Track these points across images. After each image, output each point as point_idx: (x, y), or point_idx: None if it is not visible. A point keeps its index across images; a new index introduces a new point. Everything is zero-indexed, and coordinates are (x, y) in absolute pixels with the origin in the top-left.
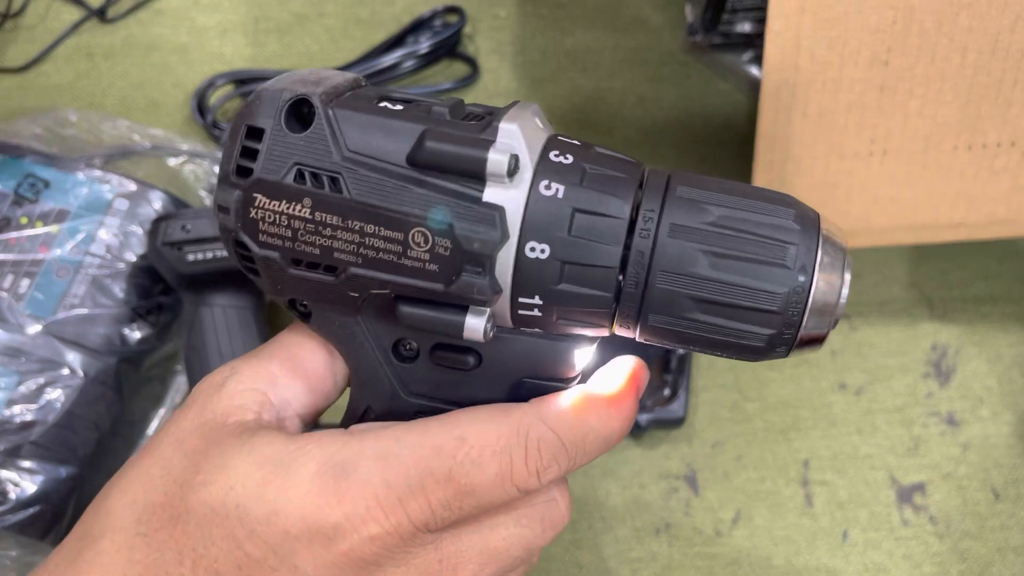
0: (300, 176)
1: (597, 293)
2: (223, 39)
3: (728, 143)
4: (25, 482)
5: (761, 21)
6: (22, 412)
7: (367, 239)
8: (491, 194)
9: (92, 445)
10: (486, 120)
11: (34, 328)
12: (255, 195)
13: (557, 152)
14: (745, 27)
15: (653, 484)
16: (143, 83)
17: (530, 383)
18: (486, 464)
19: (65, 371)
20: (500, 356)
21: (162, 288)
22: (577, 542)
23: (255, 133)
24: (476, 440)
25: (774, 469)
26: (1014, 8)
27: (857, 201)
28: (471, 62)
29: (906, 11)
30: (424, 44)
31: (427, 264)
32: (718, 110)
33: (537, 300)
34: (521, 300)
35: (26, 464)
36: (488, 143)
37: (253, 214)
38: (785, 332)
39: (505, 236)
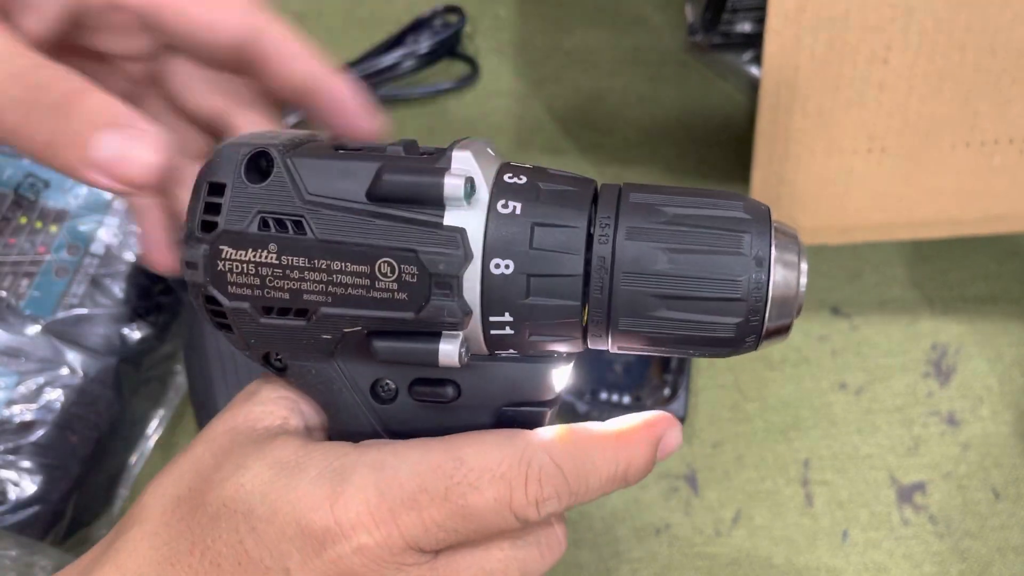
0: (264, 223)
1: (565, 303)
2: None
3: (728, 143)
4: (25, 482)
5: (761, 21)
6: (22, 412)
7: (335, 276)
8: (451, 218)
9: (92, 445)
10: (438, 153)
11: (33, 328)
12: (221, 247)
13: (511, 175)
14: (745, 27)
15: (653, 484)
16: None
17: (512, 410)
18: (484, 488)
19: (65, 371)
20: (478, 385)
21: (162, 288)
22: (577, 542)
23: (217, 188)
24: (476, 463)
25: (774, 469)
26: (1013, 7)
27: (856, 197)
28: (471, 62)
29: (905, 10)
30: (424, 44)
31: (396, 293)
32: (718, 110)
33: (507, 317)
34: (492, 319)
35: (26, 464)
36: (443, 170)
37: (221, 267)
38: (751, 319)
39: (469, 256)
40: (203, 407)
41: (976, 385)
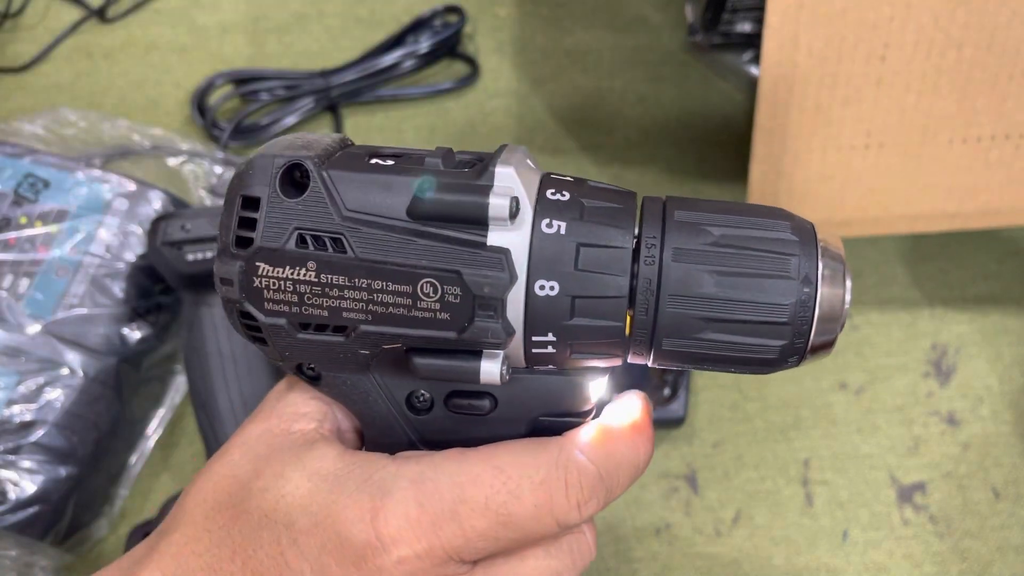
0: (302, 240)
1: (609, 323)
2: (223, 39)
3: (727, 142)
4: (25, 482)
5: (761, 21)
6: (22, 412)
7: (375, 295)
8: (495, 238)
9: (92, 445)
10: (479, 166)
11: (34, 328)
12: (258, 264)
13: (553, 190)
14: (745, 27)
15: (653, 484)
16: (143, 83)
17: (547, 420)
18: (525, 496)
19: (65, 371)
20: (515, 397)
21: (162, 288)
22: None
23: (251, 202)
24: (514, 471)
25: (774, 469)
26: (1010, 5)
27: (853, 193)
28: (471, 62)
29: (903, 7)
30: (424, 44)
31: (438, 313)
32: (718, 110)
33: (550, 337)
34: (535, 339)
35: (26, 464)
36: (487, 188)
37: (257, 283)
38: (796, 341)
39: (514, 278)
40: (203, 407)
41: (976, 385)
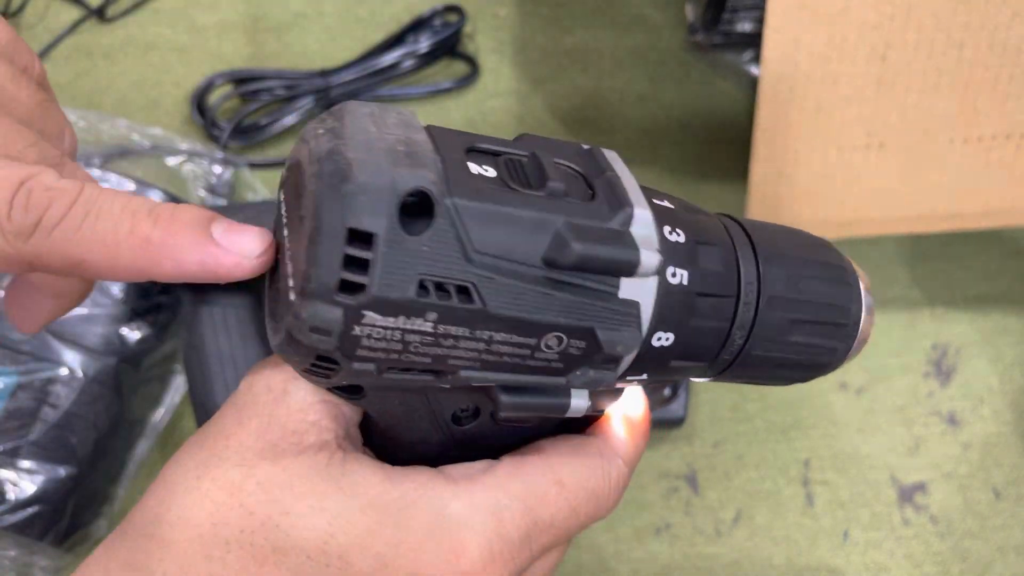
0: (422, 287)
1: (699, 365)
2: (222, 38)
3: (728, 142)
4: (24, 482)
5: (761, 21)
6: (21, 412)
7: (493, 346)
8: (627, 290)
9: (91, 445)
10: (609, 199)
11: None
12: (365, 313)
13: (669, 228)
14: (746, 26)
15: (653, 484)
16: (142, 82)
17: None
18: (582, 510)
19: (64, 371)
20: None
21: (161, 288)
22: (577, 542)
23: (362, 238)
24: (572, 483)
25: (775, 469)
26: (1011, 5)
27: (854, 193)
28: (471, 61)
29: (904, 7)
30: (424, 43)
31: (553, 363)
32: (718, 109)
33: (644, 376)
34: (629, 377)
35: (25, 464)
36: (629, 238)
37: (357, 332)
38: (847, 347)
39: (642, 333)
40: (203, 407)
41: (977, 385)
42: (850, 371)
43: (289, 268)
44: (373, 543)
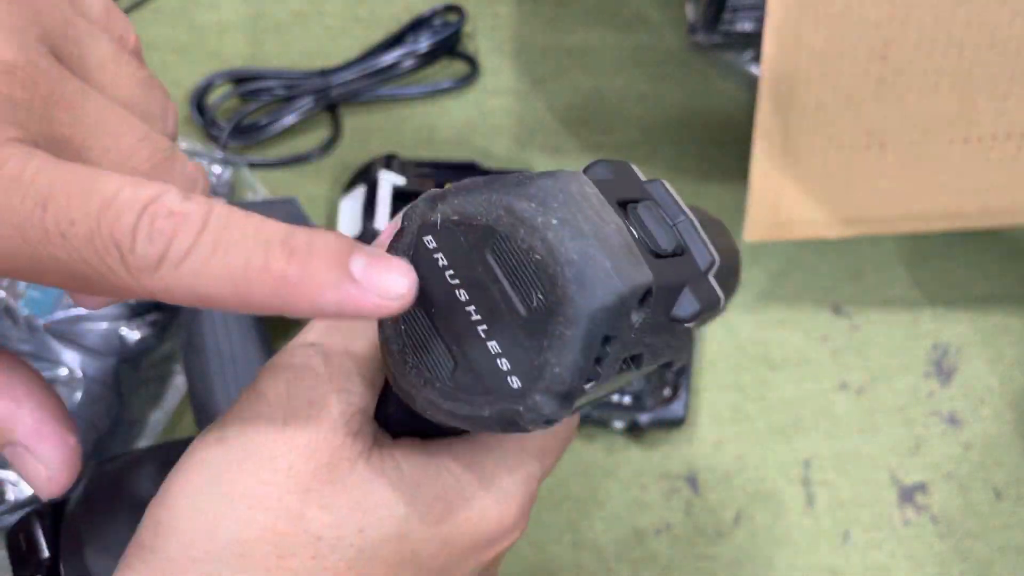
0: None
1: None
2: (222, 38)
3: (729, 142)
4: (23, 482)
5: (762, 20)
6: None
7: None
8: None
9: (91, 445)
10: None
11: (33, 328)
12: (587, 389)
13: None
14: (746, 26)
15: (653, 484)
16: None
17: None
18: (562, 448)
19: (64, 371)
20: None
21: None
22: (577, 543)
23: (608, 340)
24: (561, 432)
25: (775, 469)
26: (1012, 4)
27: (854, 192)
28: (471, 61)
29: (904, 6)
30: (423, 43)
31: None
32: (719, 109)
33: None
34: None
35: None
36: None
37: (575, 405)
38: None
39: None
40: (203, 407)
41: (977, 385)
42: (850, 371)
43: (494, 344)
44: (438, 530)
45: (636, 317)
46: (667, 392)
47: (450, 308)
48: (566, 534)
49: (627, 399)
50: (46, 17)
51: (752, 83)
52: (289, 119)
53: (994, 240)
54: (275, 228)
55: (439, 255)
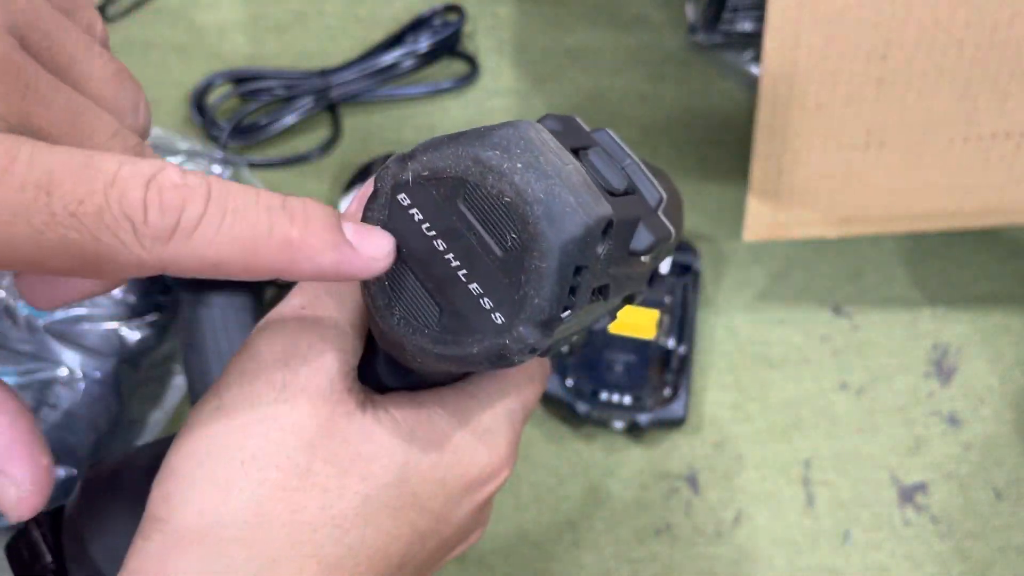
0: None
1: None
2: (222, 38)
3: (729, 142)
4: None
5: (762, 20)
6: None
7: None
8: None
9: (90, 445)
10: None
11: (32, 328)
12: (565, 318)
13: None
14: (746, 26)
15: (653, 484)
16: (142, 82)
17: None
18: (539, 389)
19: (64, 371)
20: None
21: (161, 288)
22: (577, 542)
23: (579, 270)
24: (535, 375)
25: (775, 469)
26: (1011, 4)
27: (854, 191)
28: (471, 61)
29: (904, 6)
30: (423, 43)
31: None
32: (719, 109)
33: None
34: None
35: None
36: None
37: (556, 334)
38: None
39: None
40: None
41: (977, 385)
42: (851, 371)
43: (475, 287)
44: (434, 473)
45: (601, 248)
46: (667, 392)
47: (430, 259)
48: (566, 534)
49: (627, 399)
50: (14, 7)
51: (752, 83)
52: (289, 119)
53: (994, 240)
54: (272, 195)
55: (414, 211)
